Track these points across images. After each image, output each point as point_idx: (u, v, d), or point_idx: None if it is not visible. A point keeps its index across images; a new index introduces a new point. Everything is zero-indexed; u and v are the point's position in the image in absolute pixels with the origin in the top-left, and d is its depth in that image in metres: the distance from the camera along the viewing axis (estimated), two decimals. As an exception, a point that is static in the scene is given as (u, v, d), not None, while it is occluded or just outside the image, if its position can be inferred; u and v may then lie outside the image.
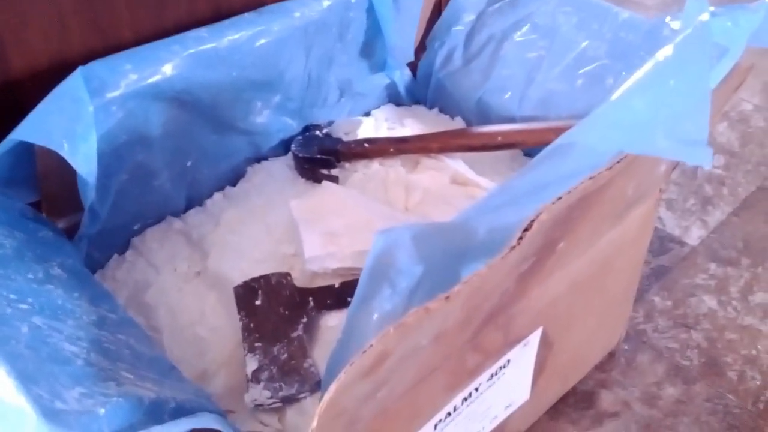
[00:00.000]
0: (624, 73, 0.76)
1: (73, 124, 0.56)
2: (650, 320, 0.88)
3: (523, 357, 0.66)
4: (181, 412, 0.45)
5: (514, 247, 0.43)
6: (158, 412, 0.44)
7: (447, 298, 0.41)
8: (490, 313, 0.54)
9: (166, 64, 0.63)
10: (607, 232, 0.63)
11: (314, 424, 0.40)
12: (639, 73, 0.48)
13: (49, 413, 0.39)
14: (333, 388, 0.38)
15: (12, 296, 0.49)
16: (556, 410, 0.80)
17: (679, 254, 0.95)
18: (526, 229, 0.44)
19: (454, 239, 0.49)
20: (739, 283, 0.92)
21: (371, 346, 0.39)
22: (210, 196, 0.79)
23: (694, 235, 0.98)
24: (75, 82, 0.57)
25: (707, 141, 0.46)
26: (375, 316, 0.46)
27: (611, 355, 0.84)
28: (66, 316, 0.50)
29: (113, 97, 0.60)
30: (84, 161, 0.57)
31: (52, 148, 0.56)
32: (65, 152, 0.56)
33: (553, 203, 0.45)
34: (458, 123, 0.88)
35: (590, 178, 0.46)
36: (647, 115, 0.47)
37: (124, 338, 0.54)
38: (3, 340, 0.44)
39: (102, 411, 0.40)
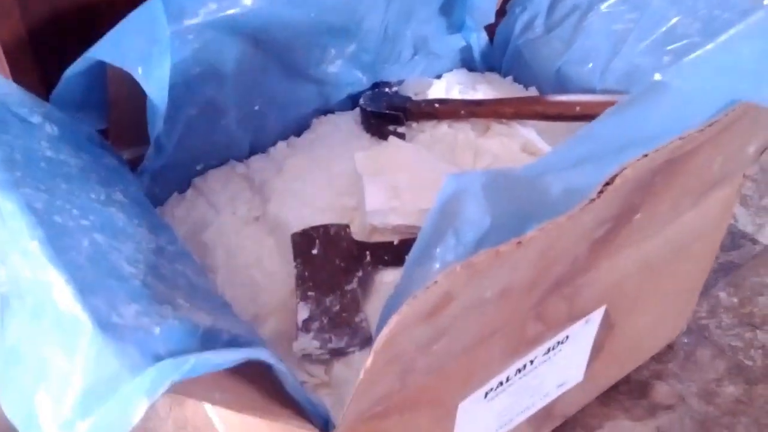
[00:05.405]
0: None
1: (149, 47, 0.55)
2: (714, 316, 0.84)
3: (582, 334, 0.64)
4: (234, 344, 0.44)
5: (593, 200, 0.41)
6: (212, 340, 0.43)
7: (519, 243, 0.39)
8: (558, 279, 0.52)
9: (247, -4, 0.62)
10: (686, 211, 0.60)
11: (368, 362, 0.39)
12: (747, 22, 0.45)
13: (105, 325, 0.38)
14: (393, 321, 0.36)
15: (75, 211, 0.48)
16: (608, 396, 0.77)
17: (750, 252, 0.91)
18: (607, 183, 0.42)
19: (526, 194, 0.47)
20: (813, 287, 0.88)
21: (436, 282, 0.37)
22: (274, 144, 0.78)
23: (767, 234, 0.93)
24: (154, 5, 0.56)
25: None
26: (436, 265, 0.44)
27: (670, 347, 0.81)
28: (126, 239, 0.50)
29: (191, 24, 0.59)
30: (156, 87, 0.56)
31: (127, 69, 0.55)
32: (139, 76, 0.55)
33: (638, 160, 0.42)
34: (532, 93, 0.85)
35: (680, 138, 0.44)
36: (756, 63, 0.43)
37: (181, 269, 0.53)
38: (64, 250, 0.43)
39: (157, 330, 0.39)
